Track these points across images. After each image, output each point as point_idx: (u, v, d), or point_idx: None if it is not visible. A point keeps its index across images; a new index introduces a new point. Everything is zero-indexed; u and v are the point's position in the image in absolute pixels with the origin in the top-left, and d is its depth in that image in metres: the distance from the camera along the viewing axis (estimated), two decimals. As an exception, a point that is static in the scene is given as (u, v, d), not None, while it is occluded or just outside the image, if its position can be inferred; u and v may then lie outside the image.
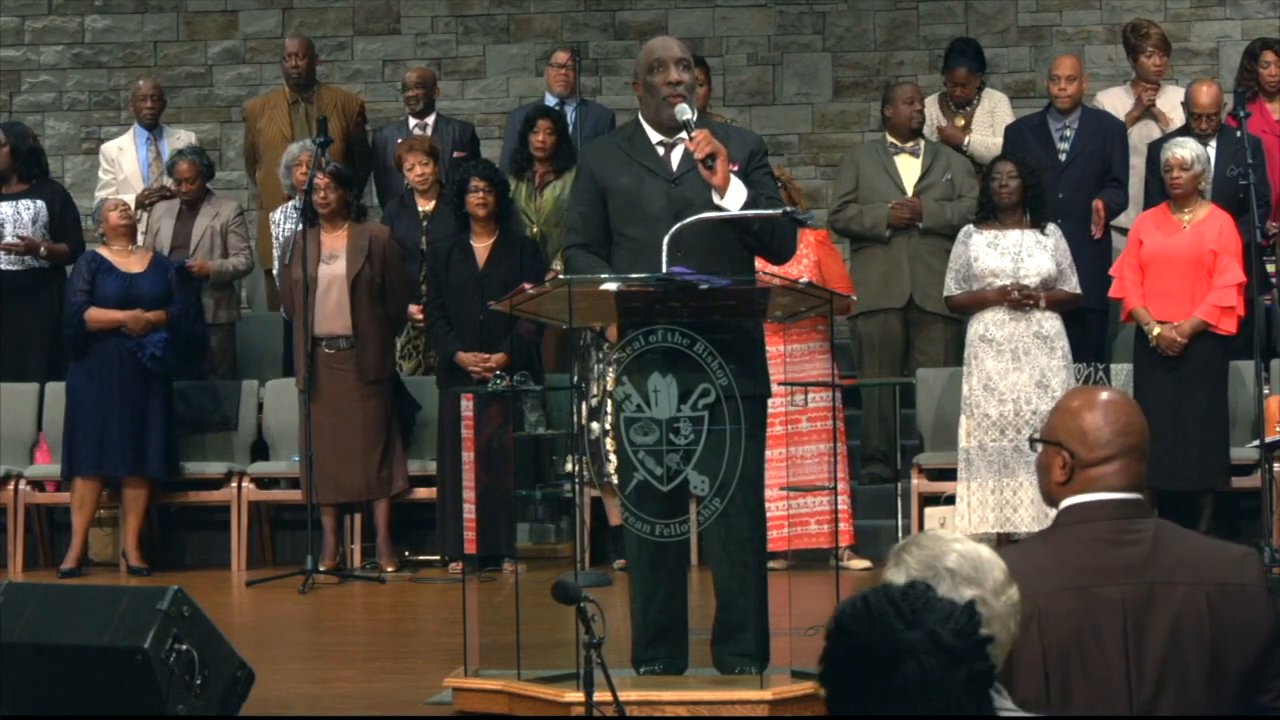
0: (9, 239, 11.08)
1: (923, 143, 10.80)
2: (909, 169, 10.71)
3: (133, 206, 11.52)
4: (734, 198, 6.56)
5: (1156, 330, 9.72)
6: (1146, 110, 11.16)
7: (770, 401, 6.86)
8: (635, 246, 6.62)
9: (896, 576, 3.17)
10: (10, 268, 11.11)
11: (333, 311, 10.27)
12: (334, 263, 10.29)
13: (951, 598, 3.06)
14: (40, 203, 11.18)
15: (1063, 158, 10.74)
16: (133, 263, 10.53)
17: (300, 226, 10.36)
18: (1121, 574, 3.68)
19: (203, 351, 11.16)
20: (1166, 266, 9.77)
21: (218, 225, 11.22)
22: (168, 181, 11.44)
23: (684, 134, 6.60)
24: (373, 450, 10.33)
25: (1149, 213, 10.16)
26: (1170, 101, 11.23)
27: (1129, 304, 9.83)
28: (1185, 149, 9.84)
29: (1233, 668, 3.66)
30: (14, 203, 11.17)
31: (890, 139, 10.81)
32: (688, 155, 6.62)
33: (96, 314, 10.39)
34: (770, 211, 6.66)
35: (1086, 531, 3.72)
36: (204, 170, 11.30)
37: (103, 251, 10.58)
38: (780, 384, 8.71)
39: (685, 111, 6.60)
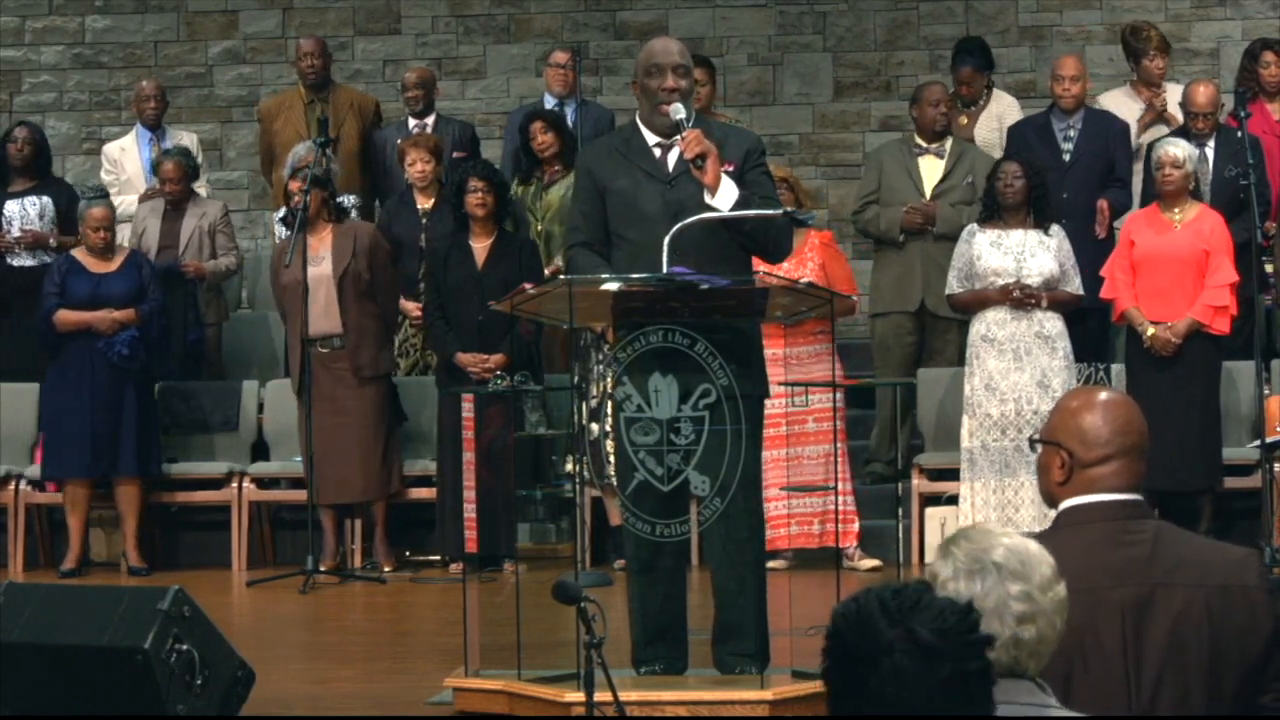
0: (16, 235, 11.12)
1: (949, 143, 10.76)
2: (931, 171, 10.68)
3: (135, 206, 11.54)
4: (725, 197, 6.58)
5: (1151, 331, 9.71)
6: (1159, 116, 11.13)
7: (774, 402, 6.86)
8: (633, 249, 6.65)
9: (944, 569, 3.16)
10: (22, 263, 11.16)
11: (322, 312, 10.27)
12: (320, 264, 10.29)
13: (998, 592, 3.07)
14: (46, 198, 11.23)
15: (1066, 158, 10.71)
16: (104, 263, 10.51)
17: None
18: (1121, 575, 3.67)
19: (199, 351, 11.15)
20: (1159, 266, 9.76)
21: (205, 226, 11.22)
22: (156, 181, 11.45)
23: (679, 135, 6.63)
24: (372, 449, 10.32)
25: (1139, 213, 10.15)
26: (1175, 102, 11.22)
27: (1121, 305, 9.82)
28: (1178, 147, 9.85)
29: (1233, 669, 3.65)
30: (20, 200, 11.21)
31: (917, 139, 10.80)
32: (683, 156, 6.64)
33: (65, 316, 10.39)
34: (770, 211, 6.68)
35: (1086, 533, 3.72)
36: (189, 171, 11.31)
37: (76, 254, 10.58)
38: (780, 384, 8.72)
39: (679, 111, 6.63)
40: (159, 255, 11.01)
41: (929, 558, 10.24)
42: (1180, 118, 11.01)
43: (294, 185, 10.28)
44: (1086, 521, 3.72)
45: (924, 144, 10.74)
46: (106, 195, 11.18)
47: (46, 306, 10.45)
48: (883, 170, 10.76)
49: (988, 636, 2.82)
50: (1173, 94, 11.23)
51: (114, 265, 10.52)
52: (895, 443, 9.95)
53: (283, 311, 10.54)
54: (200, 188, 11.64)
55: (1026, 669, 3.13)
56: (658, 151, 6.74)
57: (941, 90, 10.90)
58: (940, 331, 10.62)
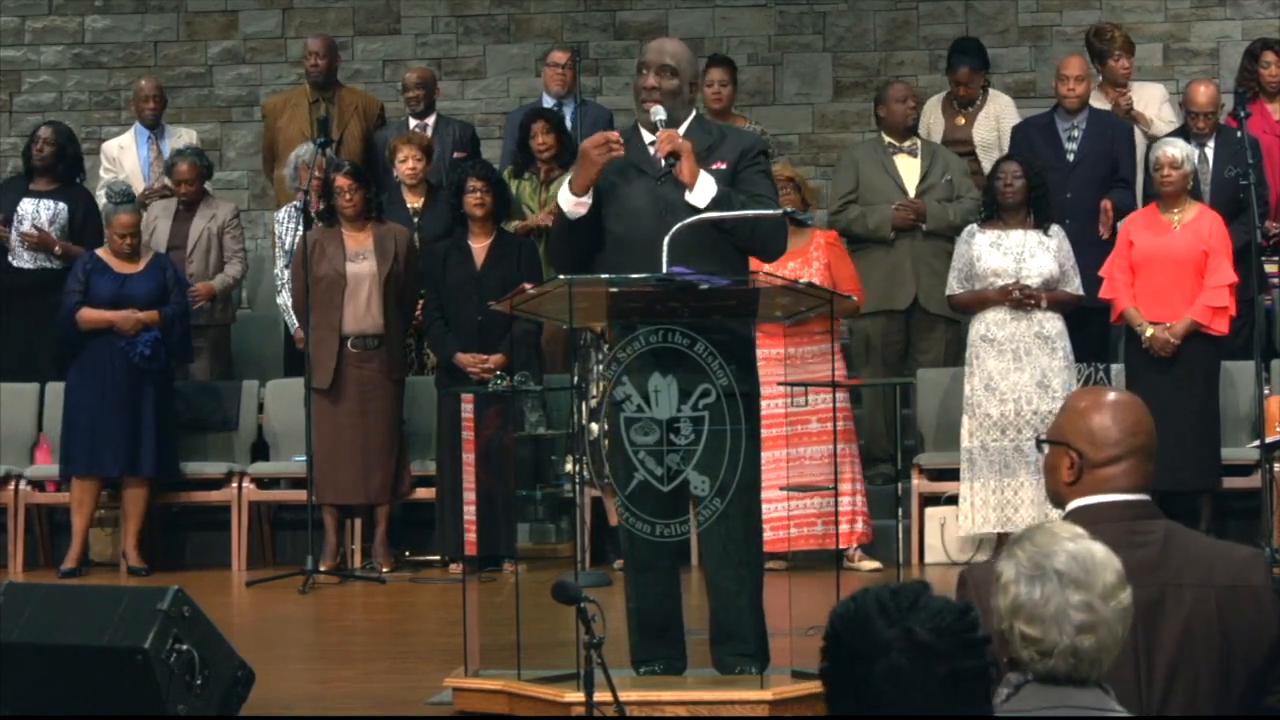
0: (24, 229, 11.10)
1: (919, 142, 10.78)
2: (909, 169, 10.68)
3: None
4: (702, 193, 6.63)
5: (1149, 331, 9.71)
6: (1126, 114, 11.12)
7: (775, 402, 6.87)
8: (621, 244, 6.67)
9: (1007, 570, 3.13)
10: (24, 266, 11.13)
11: (363, 310, 10.25)
12: (362, 262, 10.26)
13: (1057, 600, 3.06)
14: (62, 205, 11.18)
15: (1070, 158, 10.70)
16: (129, 264, 10.52)
17: (301, 227, 10.35)
18: (1131, 576, 3.66)
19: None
20: (1157, 267, 9.76)
21: (214, 227, 11.20)
22: (169, 181, 11.42)
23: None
24: (390, 451, 10.31)
25: (1138, 213, 10.15)
26: (1143, 100, 11.21)
27: (1120, 305, 9.82)
28: (1176, 148, 9.85)
29: (1241, 669, 3.65)
30: (36, 200, 11.19)
31: (887, 139, 10.79)
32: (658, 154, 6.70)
33: (88, 314, 10.39)
34: (768, 211, 6.69)
35: (1095, 534, 3.69)
36: (203, 171, 11.30)
37: (101, 253, 10.59)
38: (780, 384, 8.71)
39: (659, 112, 6.70)
40: (166, 255, 10.98)
41: (929, 558, 10.33)
42: (1149, 117, 11.03)
43: (342, 181, 10.26)
44: (1095, 522, 3.71)
45: (896, 143, 10.74)
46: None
47: (69, 304, 10.44)
48: (859, 170, 10.74)
49: (987, 636, 2.82)
50: (1138, 93, 11.21)
51: (139, 266, 10.52)
52: (897, 443, 9.94)
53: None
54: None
55: (1088, 676, 3.10)
56: (652, 149, 6.77)
57: (906, 88, 10.92)
58: (926, 329, 10.61)
